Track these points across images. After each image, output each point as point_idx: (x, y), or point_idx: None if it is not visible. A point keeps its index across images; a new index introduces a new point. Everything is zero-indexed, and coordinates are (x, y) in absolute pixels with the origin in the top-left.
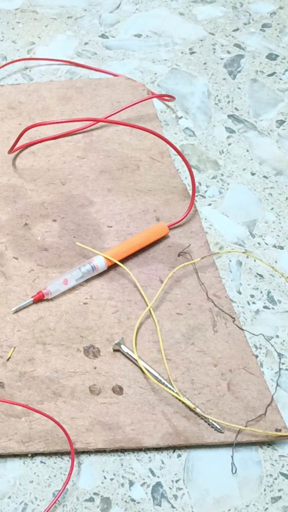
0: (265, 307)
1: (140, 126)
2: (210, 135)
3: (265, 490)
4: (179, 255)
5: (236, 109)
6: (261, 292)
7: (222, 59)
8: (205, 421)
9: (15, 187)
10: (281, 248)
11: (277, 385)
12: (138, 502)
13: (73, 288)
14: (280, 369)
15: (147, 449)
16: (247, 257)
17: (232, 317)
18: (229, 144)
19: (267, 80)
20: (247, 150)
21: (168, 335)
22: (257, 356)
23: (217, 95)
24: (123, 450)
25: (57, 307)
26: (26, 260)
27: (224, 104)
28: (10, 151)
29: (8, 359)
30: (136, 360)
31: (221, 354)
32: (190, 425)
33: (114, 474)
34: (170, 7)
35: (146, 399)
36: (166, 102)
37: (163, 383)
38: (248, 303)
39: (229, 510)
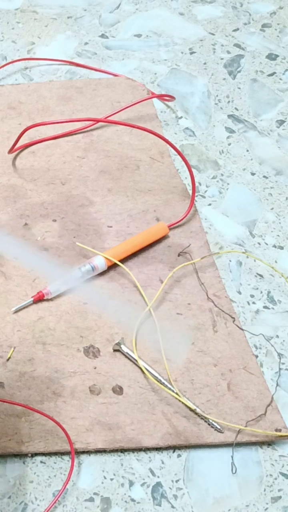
0: (265, 307)
1: (140, 126)
2: (210, 135)
3: (265, 490)
4: (179, 255)
5: (236, 109)
6: (261, 292)
7: (222, 59)
8: (205, 421)
9: (15, 187)
10: (281, 248)
11: (277, 385)
12: (138, 502)
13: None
14: (280, 369)
15: (147, 449)
16: (247, 257)
17: (232, 317)
18: (229, 144)
19: (267, 80)
20: (247, 150)
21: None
22: (257, 356)
23: (217, 95)
24: (123, 450)
25: (57, 307)
26: None
27: (224, 104)
28: (10, 151)
29: (8, 359)
30: (136, 360)
31: (221, 354)
32: (190, 425)
33: (114, 474)
34: (170, 7)
35: (146, 399)
36: (166, 102)
37: (163, 383)
38: (248, 303)
39: (229, 510)
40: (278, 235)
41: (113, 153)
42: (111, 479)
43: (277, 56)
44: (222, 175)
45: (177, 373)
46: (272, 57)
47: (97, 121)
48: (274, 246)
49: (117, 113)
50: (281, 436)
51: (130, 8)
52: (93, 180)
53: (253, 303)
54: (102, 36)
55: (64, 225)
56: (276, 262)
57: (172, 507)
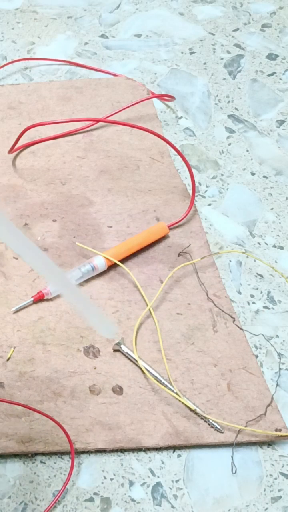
0: (265, 307)
1: (140, 126)
2: (210, 135)
3: (265, 490)
4: (179, 255)
5: (236, 109)
6: (261, 292)
7: (222, 59)
8: (205, 421)
9: (15, 187)
10: (281, 248)
11: (277, 385)
12: (138, 502)
13: None
14: (280, 369)
15: (147, 449)
16: (247, 257)
17: (232, 317)
18: (229, 144)
19: (267, 80)
20: (247, 150)
21: (168, 335)
22: (257, 356)
23: (217, 95)
24: (123, 450)
25: (57, 307)
26: None
27: (224, 104)
28: (10, 151)
29: (8, 359)
30: (136, 360)
31: (221, 354)
32: (190, 425)
33: (114, 474)
34: (170, 7)
35: (146, 399)
36: (166, 102)
37: (163, 383)
38: (248, 303)
39: (229, 510)
40: (278, 235)
41: (113, 153)
42: (111, 479)
43: (277, 56)
44: (222, 175)
45: (177, 373)
46: (272, 57)
47: (97, 121)
48: (274, 246)
49: (117, 113)
50: (281, 436)
51: (130, 8)
52: (93, 180)
53: (253, 303)
54: (102, 36)
55: (64, 225)
56: (276, 262)
57: (172, 507)
